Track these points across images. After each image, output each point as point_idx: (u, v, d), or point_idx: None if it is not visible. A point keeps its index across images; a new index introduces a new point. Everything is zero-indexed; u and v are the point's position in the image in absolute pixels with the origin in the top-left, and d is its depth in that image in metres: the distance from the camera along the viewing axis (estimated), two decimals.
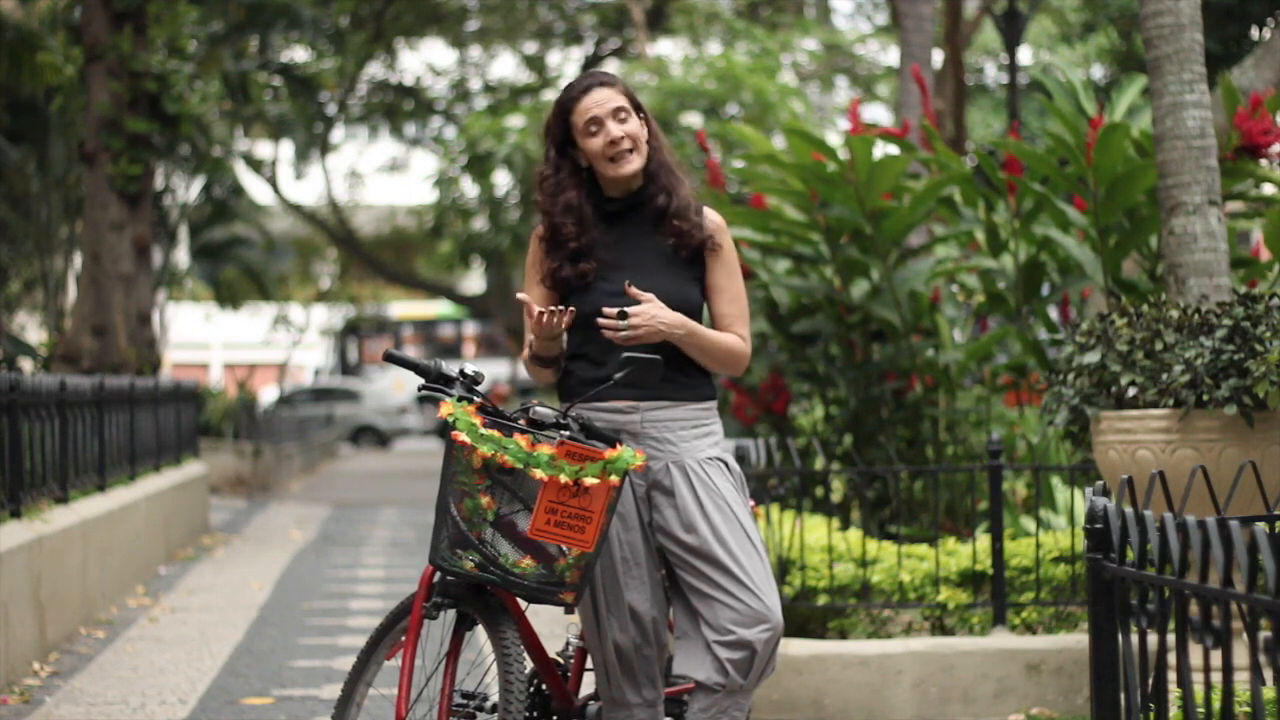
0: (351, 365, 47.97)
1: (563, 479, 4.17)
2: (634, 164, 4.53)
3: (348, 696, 4.61)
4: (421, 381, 4.46)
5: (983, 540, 7.08)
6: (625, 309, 4.39)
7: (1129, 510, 3.56)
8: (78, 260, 22.01)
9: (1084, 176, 8.18)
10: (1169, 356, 5.87)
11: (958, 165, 8.82)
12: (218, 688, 7.33)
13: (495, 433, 4.22)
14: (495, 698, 4.40)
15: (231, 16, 24.93)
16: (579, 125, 4.53)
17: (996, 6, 18.22)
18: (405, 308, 47.80)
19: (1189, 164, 6.84)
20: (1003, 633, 6.86)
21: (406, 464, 30.62)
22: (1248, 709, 4.48)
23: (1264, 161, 8.16)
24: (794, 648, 6.63)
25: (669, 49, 29.64)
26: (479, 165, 24.71)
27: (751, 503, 4.61)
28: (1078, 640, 6.65)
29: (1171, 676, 5.08)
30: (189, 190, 28.01)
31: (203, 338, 46.76)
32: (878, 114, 29.29)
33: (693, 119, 22.28)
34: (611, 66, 31.45)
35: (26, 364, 18.86)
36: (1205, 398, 5.74)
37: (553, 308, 4.36)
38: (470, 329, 48.33)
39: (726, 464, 4.54)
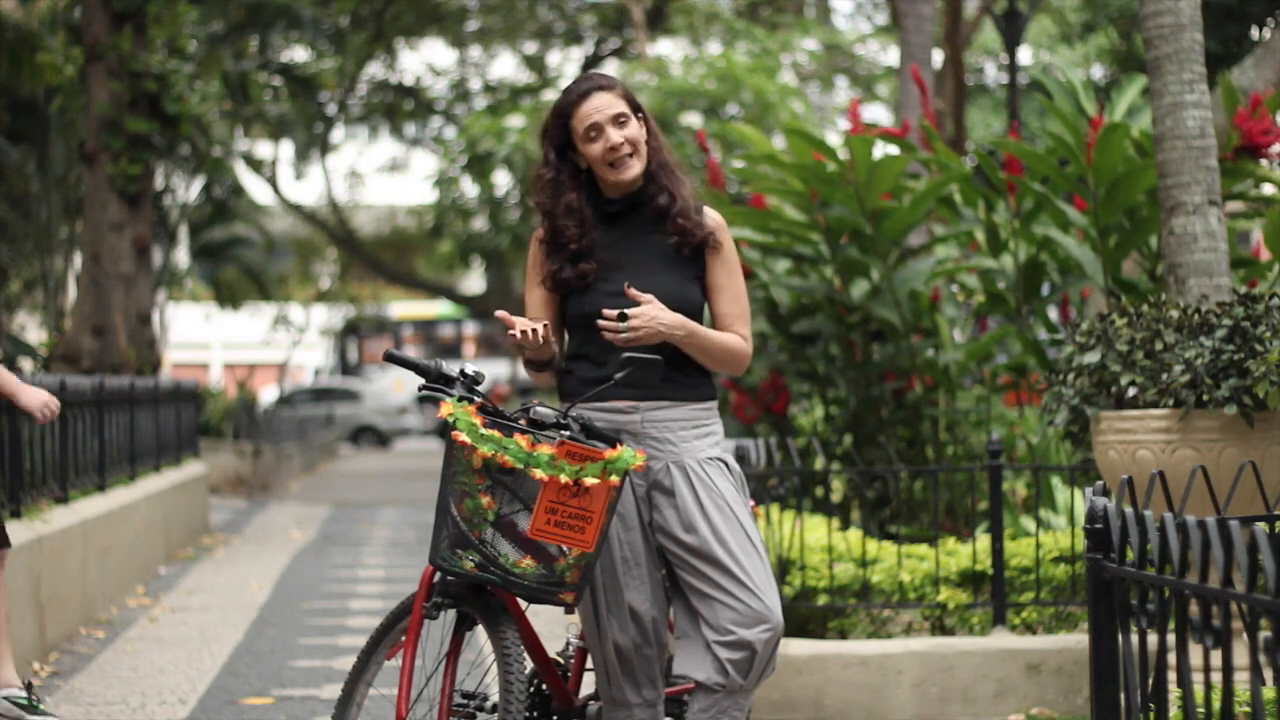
0: (351, 365, 47.97)
1: (563, 479, 4.17)
2: (634, 169, 4.53)
3: (348, 696, 4.61)
4: (422, 381, 4.46)
5: (983, 540, 7.08)
6: (625, 310, 4.39)
7: (1129, 510, 3.56)
8: (78, 260, 22.01)
9: (1084, 176, 8.18)
10: (1169, 356, 5.87)
11: (958, 165, 8.82)
12: (218, 688, 7.33)
13: (495, 433, 4.22)
14: (495, 698, 4.40)
15: (231, 16, 24.93)
16: (579, 131, 4.52)
17: (996, 6, 18.22)
18: (405, 308, 47.80)
19: (1189, 164, 6.84)
20: (1003, 633, 6.86)
21: (406, 464, 30.62)
22: (1248, 709, 4.48)
23: (1264, 161, 8.17)
24: (794, 648, 6.63)
25: (669, 49, 29.65)
26: (479, 165, 24.71)
27: (751, 503, 4.61)
28: (1078, 640, 6.65)
29: (1171, 676, 5.08)
30: (189, 190, 28.01)
31: (203, 338, 46.77)
32: (878, 114, 29.29)
33: (693, 119, 22.28)
34: (611, 66, 31.47)
35: (26, 364, 18.86)
36: (1205, 398, 5.74)
37: (526, 327, 4.35)
38: (470, 329, 48.32)
39: (727, 464, 4.54)
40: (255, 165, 33.56)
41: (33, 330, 28.86)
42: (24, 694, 6.30)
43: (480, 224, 26.25)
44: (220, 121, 28.69)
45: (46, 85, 17.44)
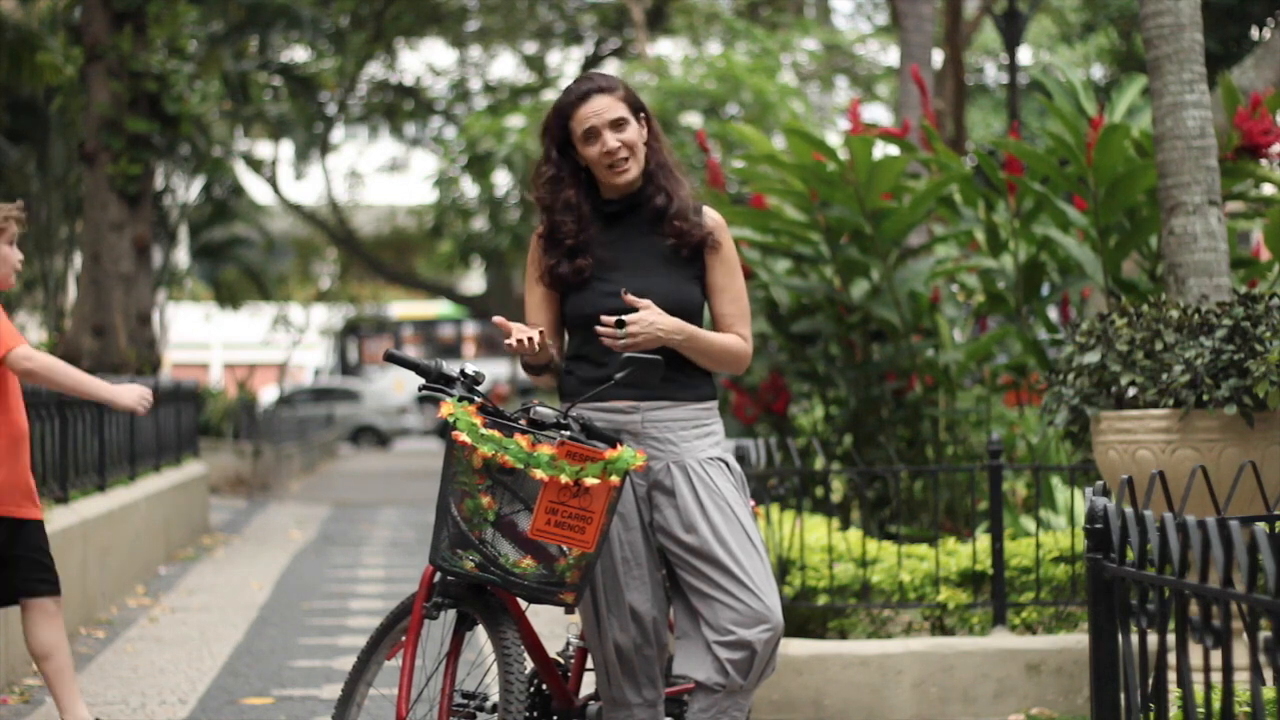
0: (351, 365, 47.96)
1: (563, 479, 4.17)
2: (631, 172, 4.53)
3: (348, 696, 4.61)
4: (422, 381, 4.46)
5: (983, 540, 7.08)
6: (623, 317, 4.39)
7: (1129, 510, 3.56)
8: (78, 260, 22.02)
9: (1084, 176, 8.18)
10: (1169, 356, 5.87)
11: (958, 165, 8.82)
12: (218, 688, 7.33)
13: (496, 433, 4.22)
14: (495, 698, 4.40)
15: (231, 16, 24.94)
16: (577, 133, 4.53)
17: (996, 6, 18.22)
18: (405, 308, 47.80)
19: (1189, 164, 6.84)
20: (1003, 633, 6.86)
21: (406, 464, 30.62)
22: (1248, 709, 4.48)
23: (1264, 161, 8.17)
24: (794, 648, 6.63)
25: (669, 49, 29.65)
26: (479, 165, 24.72)
27: (752, 503, 4.61)
28: (1078, 640, 6.65)
29: (1171, 676, 5.08)
30: (189, 190, 28.01)
31: (203, 338, 46.77)
32: (878, 114, 29.29)
33: (693, 119, 22.29)
34: (611, 66, 31.47)
35: None
36: (1205, 398, 5.74)
37: (522, 335, 4.35)
38: (470, 329, 48.32)
39: (727, 464, 4.54)
40: (255, 165, 33.56)
41: (33, 330, 28.87)
42: None
43: (480, 224, 26.25)
44: (220, 121, 28.70)
45: (46, 85, 17.44)
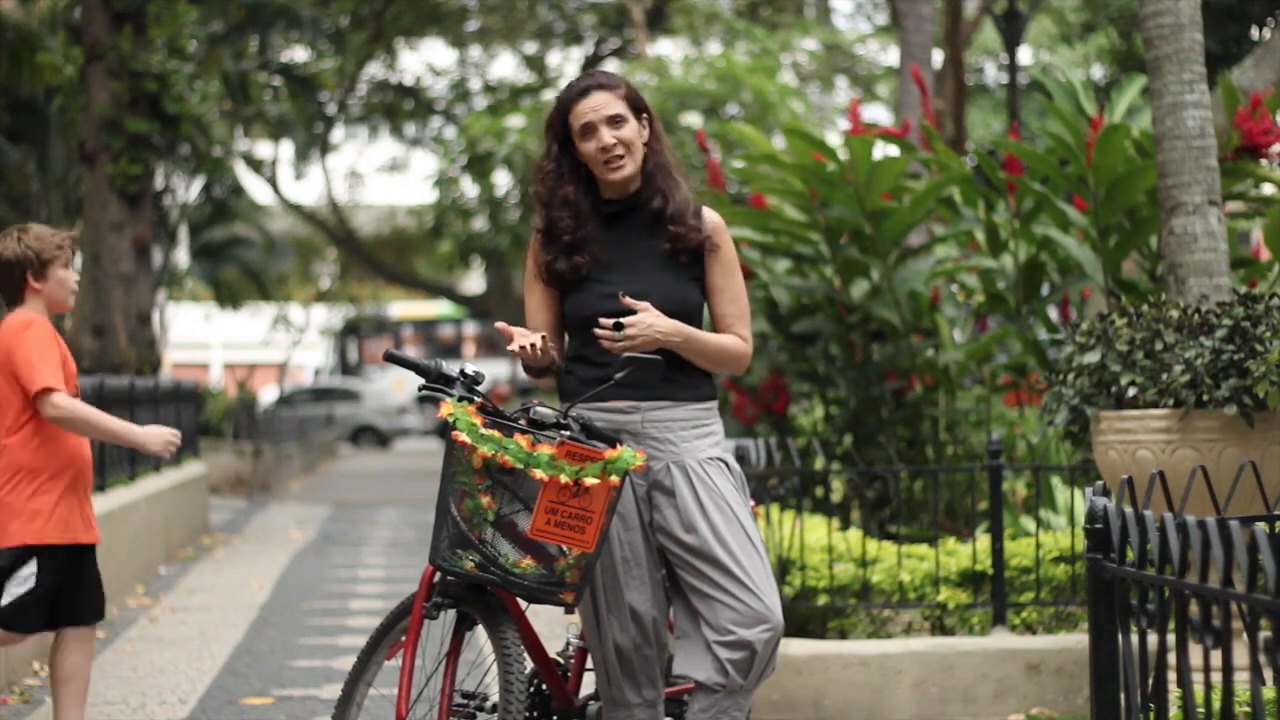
0: (351, 365, 47.97)
1: (563, 479, 4.17)
2: (626, 170, 4.53)
3: (348, 696, 4.61)
4: (422, 381, 4.46)
5: (983, 540, 7.08)
6: (621, 320, 4.39)
7: (1129, 510, 3.56)
8: (78, 260, 21.98)
9: (1084, 176, 8.18)
10: (1169, 356, 5.87)
11: (958, 165, 8.82)
12: (218, 688, 7.33)
13: (495, 433, 4.22)
14: (495, 698, 4.40)
15: (231, 16, 24.94)
16: (575, 127, 4.53)
17: (996, 6, 18.22)
18: (405, 308, 47.80)
19: (1189, 164, 6.84)
20: (1003, 633, 6.86)
21: (406, 464, 30.62)
22: (1248, 709, 4.48)
23: (1264, 161, 8.17)
24: (794, 648, 6.63)
25: (669, 49, 29.65)
26: (479, 165, 24.72)
27: (751, 503, 4.61)
28: (1078, 640, 6.65)
29: (1171, 676, 5.08)
30: (189, 190, 28.02)
31: (203, 338, 46.77)
32: (878, 114, 29.29)
33: (693, 119, 22.29)
34: (611, 66, 31.46)
35: None
36: (1205, 398, 5.74)
37: (525, 341, 4.35)
38: (470, 329, 48.33)
39: (727, 464, 4.54)
40: (255, 165, 33.56)
41: None
42: None
43: (480, 224, 26.25)
44: (220, 121, 28.70)
45: (46, 85, 17.44)
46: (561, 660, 4.75)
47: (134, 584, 10.71)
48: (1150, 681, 3.53)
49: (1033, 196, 8.54)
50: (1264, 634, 2.97)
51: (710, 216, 4.61)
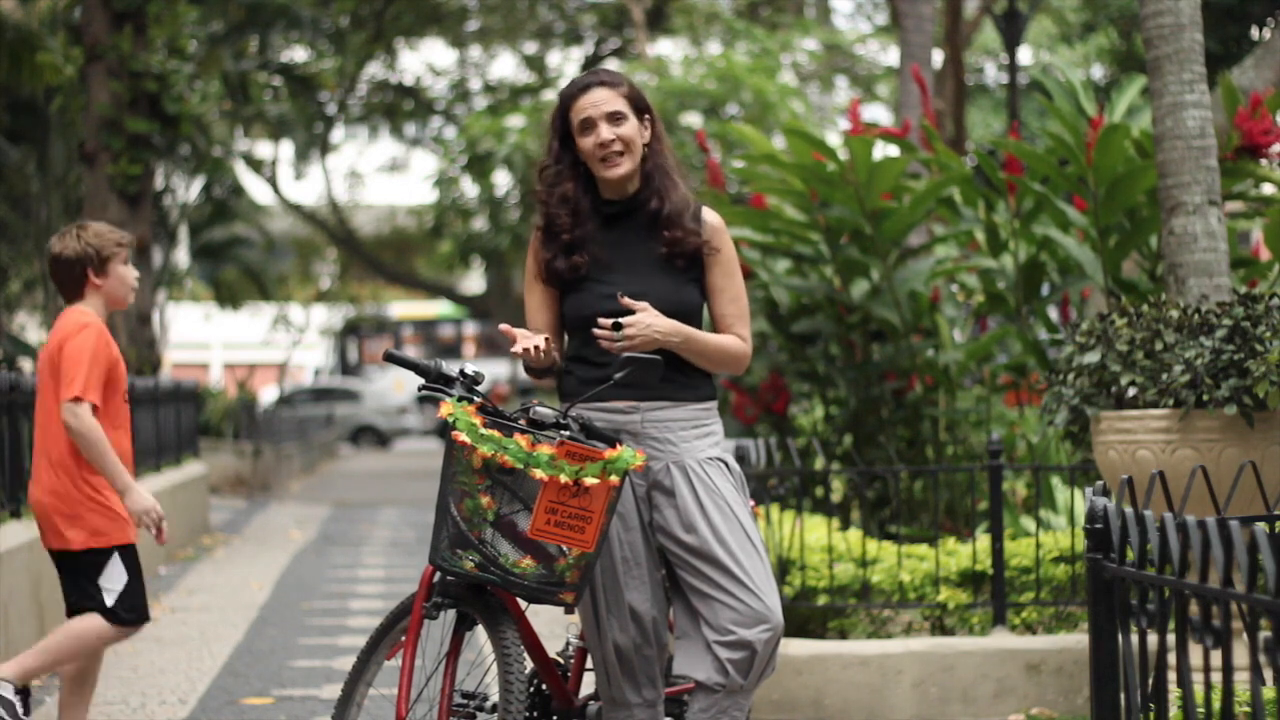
0: (351, 365, 47.98)
1: (563, 479, 4.17)
2: (622, 167, 4.52)
3: (348, 696, 4.61)
4: (421, 381, 4.46)
5: (983, 540, 7.08)
6: (619, 320, 4.39)
7: (1129, 510, 3.56)
8: None
9: (1084, 176, 8.18)
10: (1169, 356, 5.87)
11: (958, 165, 8.82)
12: (218, 688, 7.33)
13: (495, 433, 4.22)
14: (495, 698, 4.40)
15: (231, 16, 24.94)
16: (574, 123, 4.53)
17: (996, 6, 18.22)
18: (405, 308, 47.81)
19: (1189, 164, 6.84)
20: (1003, 633, 6.86)
21: (406, 464, 30.62)
22: (1248, 709, 4.48)
23: (1264, 161, 8.16)
24: (794, 648, 6.63)
25: (669, 49, 29.65)
26: (479, 165, 24.72)
27: (751, 503, 4.61)
28: (1078, 640, 6.65)
29: (1171, 676, 5.08)
30: (189, 190, 28.02)
31: (203, 338, 46.78)
32: (878, 114, 29.29)
33: (693, 119, 22.29)
34: (611, 66, 31.40)
35: (26, 364, 18.86)
36: (1205, 398, 5.74)
37: (529, 344, 4.35)
38: (470, 329, 48.34)
39: (727, 464, 4.53)
40: (255, 165, 33.57)
41: (33, 330, 28.85)
42: None
43: (480, 224, 26.25)
44: (220, 121, 28.70)
45: (46, 85, 17.43)
46: (561, 660, 4.75)
47: None
48: (1150, 681, 3.53)
49: (1033, 196, 8.54)
50: (1264, 634, 2.97)
51: (710, 218, 4.60)
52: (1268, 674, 4.64)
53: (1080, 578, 6.94)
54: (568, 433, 4.28)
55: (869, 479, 8.60)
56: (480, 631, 4.46)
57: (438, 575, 4.41)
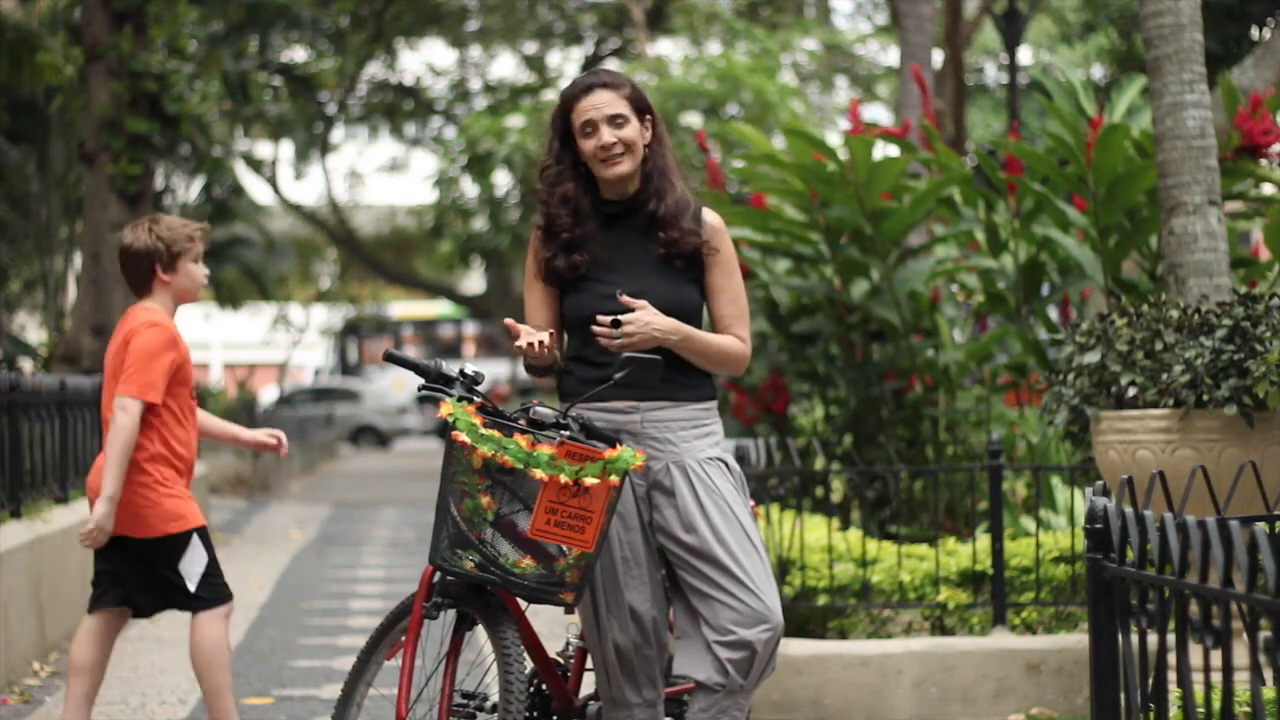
0: (351, 365, 47.96)
1: (563, 479, 4.17)
2: (622, 168, 4.52)
3: (348, 696, 4.61)
4: (421, 381, 4.46)
5: (983, 540, 7.08)
6: (618, 317, 4.39)
7: (1129, 510, 3.56)
8: (78, 260, 22.01)
9: (1084, 176, 8.18)
10: (1169, 356, 5.87)
11: (958, 165, 8.82)
12: None
13: (495, 433, 4.22)
14: (495, 698, 4.40)
15: (231, 16, 24.93)
16: (576, 125, 4.54)
17: (996, 6, 18.22)
18: (405, 308, 47.81)
19: (1189, 164, 6.84)
20: (1003, 633, 6.86)
21: (406, 464, 30.62)
22: (1248, 709, 4.48)
23: (1264, 161, 8.16)
24: (794, 648, 6.63)
25: (669, 49, 29.65)
26: (479, 165, 24.71)
27: (751, 503, 4.61)
28: (1078, 640, 6.65)
29: (1171, 676, 5.08)
30: (189, 190, 28.01)
31: (203, 338, 46.77)
32: (878, 114, 29.29)
33: (693, 119, 22.29)
34: (611, 66, 31.41)
35: (26, 364, 18.87)
36: (1205, 398, 5.74)
37: (532, 339, 4.35)
38: (470, 329, 48.32)
39: (727, 464, 4.53)
40: (255, 165, 33.57)
41: (33, 330, 28.86)
42: None
43: (480, 224, 26.25)
44: (220, 121, 28.70)
45: (46, 85, 17.43)
46: (561, 660, 4.75)
47: None
48: (1150, 681, 3.53)
49: (1033, 196, 8.54)
50: (1264, 634, 2.97)
51: (710, 218, 4.60)
52: (1268, 674, 4.64)
53: (1080, 578, 6.94)
54: (568, 433, 4.28)
55: (869, 479, 8.60)
56: (480, 631, 4.46)
57: (438, 575, 4.41)
